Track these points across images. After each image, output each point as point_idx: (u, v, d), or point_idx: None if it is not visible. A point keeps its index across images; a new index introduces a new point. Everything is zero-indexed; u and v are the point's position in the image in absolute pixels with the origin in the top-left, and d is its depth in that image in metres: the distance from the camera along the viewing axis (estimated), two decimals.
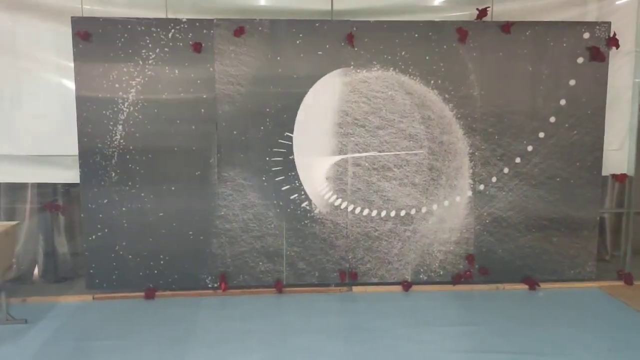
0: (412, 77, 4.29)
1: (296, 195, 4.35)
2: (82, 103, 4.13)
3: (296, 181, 4.34)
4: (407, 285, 4.46)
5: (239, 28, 4.13)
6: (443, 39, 4.27)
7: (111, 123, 4.16)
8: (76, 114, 4.12)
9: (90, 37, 4.06)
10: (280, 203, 4.35)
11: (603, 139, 4.45)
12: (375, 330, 3.71)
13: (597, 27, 4.35)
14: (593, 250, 4.58)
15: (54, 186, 4.66)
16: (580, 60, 4.36)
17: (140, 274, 4.34)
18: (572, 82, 4.37)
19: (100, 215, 4.25)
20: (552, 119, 4.40)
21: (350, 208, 4.41)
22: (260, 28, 4.17)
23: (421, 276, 4.52)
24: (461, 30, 4.24)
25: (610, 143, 4.58)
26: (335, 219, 4.41)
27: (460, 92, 4.33)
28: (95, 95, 4.13)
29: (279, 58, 4.20)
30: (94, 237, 4.27)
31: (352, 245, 4.44)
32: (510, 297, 4.35)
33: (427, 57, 4.28)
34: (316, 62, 4.23)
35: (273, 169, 4.31)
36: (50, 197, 4.68)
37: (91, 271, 4.31)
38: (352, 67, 4.25)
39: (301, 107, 4.26)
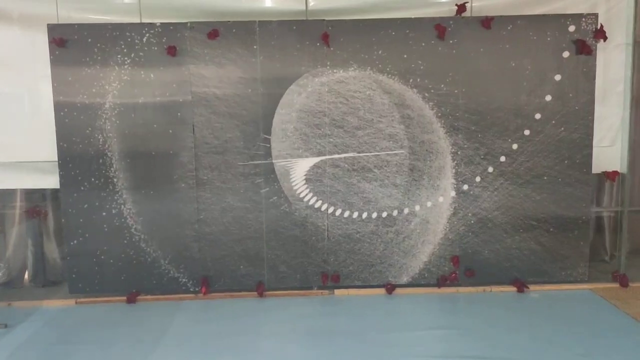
0: (390, 76, 4.26)
1: (275, 197, 4.37)
2: (60, 109, 4.22)
3: (275, 183, 4.35)
4: (390, 288, 4.43)
5: (213, 31, 4.16)
6: (421, 36, 4.23)
7: (89, 129, 4.24)
8: (54, 120, 4.22)
9: (66, 43, 4.15)
10: (260, 206, 4.37)
11: (592, 135, 4.34)
12: (347, 334, 3.70)
13: (584, 19, 4.24)
14: (585, 250, 4.46)
15: (42, 192, 4.78)
16: (565, 54, 4.26)
17: (122, 278, 4.41)
18: (557, 77, 4.27)
19: (81, 220, 4.33)
20: (538, 116, 4.31)
21: (330, 210, 4.40)
22: (234, 30, 4.20)
23: (405, 279, 4.48)
24: (439, 27, 4.19)
25: (601, 139, 4.47)
26: (315, 221, 4.40)
27: (441, 90, 4.28)
28: (72, 101, 4.21)
29: (253, 60, 4.22)
30: (75, 242, 4.36)
31: (334, 248, 4.43)
32: (496, 300, 4.28)
33: (405, 56, 4.24)
34: (292, 63, 4.23)
35: (251, 171, 4.33)
36: (40, 202, 4.81)
37: (73, 276, 4.40)
38: (328, 67, 4.24)
39: (278, 108, 4.27)
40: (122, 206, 4.33)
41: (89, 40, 4.16)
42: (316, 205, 4.39)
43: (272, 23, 4.20)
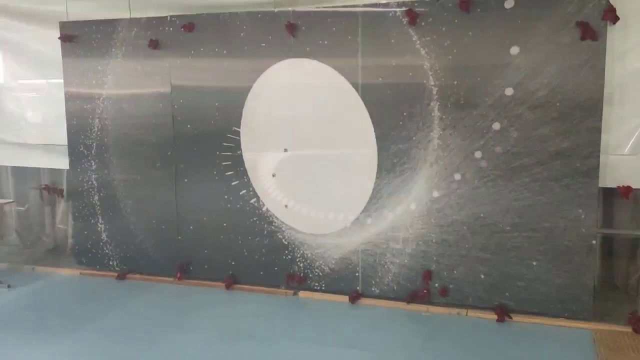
0: (358, 68, 4.05)
1: (245, 191, 4.47)
2: (69, 98, 4.87)
3: (245, 177, 4.46)
4: (354, 297, 4.24)
5: (189, 24, 4.41)
6: (391, 24, 3.94)
7: (90, 117, 4.82)
8: (65, 108, 4.88)
9: (74, 38, 4.76)
10: (231, 198, 4.52)
11: (599, 141, 3.62)
12: (259, 340, 3.71)
13: None
14: (588, 281, 3.75)
15: None
16: (565, 40, 3.61)
17: (117, 255, 4.94)
18: (553, 69, 3.64)
19: (85, 200, 4.95)
20: (528, 114, 3.72)
21: (297, 208, 4.36)
22: (208, 23, 4.39)
23: (373, 289, 4.25)
24: (410, 12, 3.86)
25: (618, 146, 3.71)
26: (282, 218, 4.41)
27: (413, 84, 3.95)
28: (78, 91, 4.84)
29: (225, 52, 4.37)
30: (80, 219, 5.00)
31: (301, 248, 4.39)
32: (463, 327, 3.87)
33: (374, 45, 4.00)
34: (260, 54, 4.29)
35: (223, 163, 4.50)
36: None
37: (77, 248, 5.06)
38: (295, 58, 4.20)
39: (247, 101, 4.37)
40: (116, 189, 4.84)
41: (90, 35, 4.72)
42: (283, 202, 4.39)
43: (241, 14, 4.29)
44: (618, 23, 3.54)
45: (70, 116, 4.89)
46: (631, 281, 4.26)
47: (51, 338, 3.76)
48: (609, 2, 3.50)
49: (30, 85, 5.16)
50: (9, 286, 4.73)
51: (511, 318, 3.90)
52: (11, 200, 5.42)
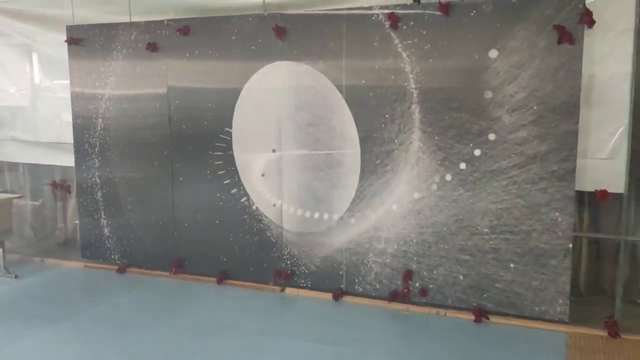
0: (342, 70, 4.15)
1: (236, 190, 4.63)
2: (75, 99, 5.11)
3: (235, 176, 4.61)
4: (338, 295, 4.35)
5: (184, 27, 4.58)
6: (374, 27, 4.03)
7: (94, 116, 5.05)
8: (71, 108, 5.12)
9: (79, 41, 5.00)
10: (223, 197, 4.68)
11: (576, 144, 3.63)
12: (245, 333, 3.85)
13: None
14: (564, 285, 3.76)
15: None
16: (542, 43, 3.63)
17: (118, 250, 5.16)
18: (530, 72, 3.67)
19: (89, 197, 5.19)
20: (506, 118, 3.76)
21: (284, 207, 4.49)
22: (202, 26, 4.55)
23: (356, 287, 4.35)
24: (392, 16, 3.94)
25: (597, 150, 3.71)
26: (271, 217, 4.54)
27: (394, 87, 4.03)
28: (82, 92, 5.07)
29: (217, 54, 4.52)
30: (85, 215, 5.24)
31: (288, 246, 4.52)
32: (439, 327, 3.94)
33: (358, 48, 4.09)
34: (250, 57, 4.43)
35: (216, 162, 4.66)
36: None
37: (82, 242, 5.31)
38: (282, 61, 4.33)
39: (238, 102, 4.51)
40: (117, 187, 5.06)
41: (94, 38, 4.94)
42: (272, 201, 4.52)
43: (233, 18, 4.44)
44: (595, 27, 3.56)
45: (76, 115, 5.13)
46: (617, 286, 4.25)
47: (48, 324, 3.99)
48: (585, 6, 3.51)
49: (59, 86, 5.41)
50: (16, 276, 5.01)
51: (488, 319, 3.95)
52: (20, 195, 5.69)
